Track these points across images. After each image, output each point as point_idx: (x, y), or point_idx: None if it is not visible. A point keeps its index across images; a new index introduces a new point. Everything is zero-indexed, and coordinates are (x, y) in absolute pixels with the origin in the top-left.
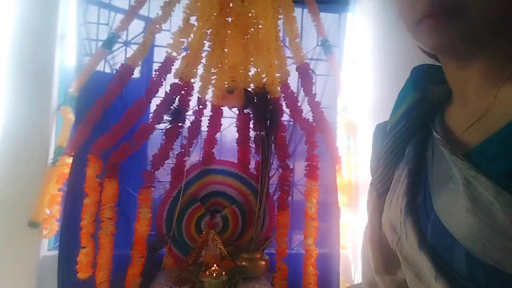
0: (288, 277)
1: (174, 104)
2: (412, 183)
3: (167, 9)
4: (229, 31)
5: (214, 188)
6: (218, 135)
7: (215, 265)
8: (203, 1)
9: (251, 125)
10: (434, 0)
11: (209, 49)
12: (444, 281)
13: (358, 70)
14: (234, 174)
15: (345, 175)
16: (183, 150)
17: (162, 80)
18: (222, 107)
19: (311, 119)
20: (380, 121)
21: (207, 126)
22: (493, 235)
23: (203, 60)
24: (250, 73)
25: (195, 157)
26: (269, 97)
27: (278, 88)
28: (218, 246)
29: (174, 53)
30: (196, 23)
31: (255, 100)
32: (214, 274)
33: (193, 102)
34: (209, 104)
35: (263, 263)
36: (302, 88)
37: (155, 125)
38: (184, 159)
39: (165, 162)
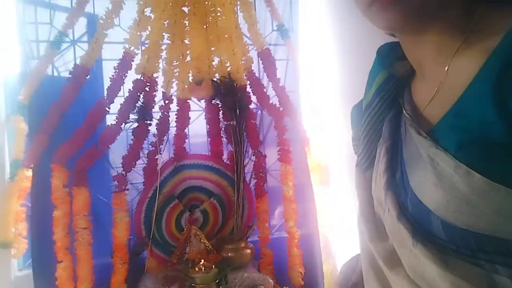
0: (273, 261)
1: (139, 102)
2: (390, 160)
3: (117, 2)
4: (186, 21)
5: (190, 184)
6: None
7: (202, 260)
8: None
9: (220, 116)
10: None
11: (169, 41)
12: (421, 247)
13: (316, 53)
14: (208, 166)
15: (314, 156)
16: (153, 148)
17: (123, 77)
18: (188, 101)
19: (277, 105)
20: (343, 100)
21: (175, 121)
22: (459, 204)
23: (163, 54)
24: (213, 63)
25: (165, 154)
26: (235, 85)
27: (244, 76)
28: (202, 241)
29: (132, 48)
30: (152, 15)
31: (222, 90)
32: (203, 269)
33: (157, 98)
34: (174, 99)
35: (249, 251)
36: (265, 74)
37: (121, 126)
38: (155, 157)
39: (136, 162)
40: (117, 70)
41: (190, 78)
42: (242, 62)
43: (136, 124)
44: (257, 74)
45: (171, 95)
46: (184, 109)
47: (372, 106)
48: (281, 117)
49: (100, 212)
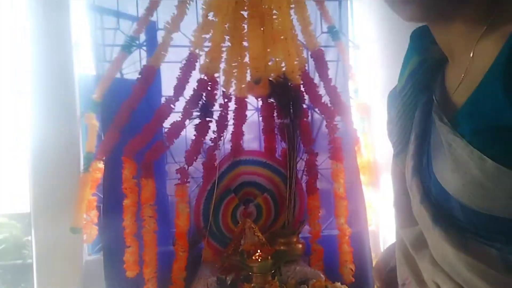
0: (324, 257)
1: (202, 100)
2: (419, 146)
3: (182, 8)
4: (245, 24)
5: (245, 178)
6: None
7: (258, 251)
8: None
9: (275, 114)
10: None
11: (229, 43)
12: (439, 229)
13: (364, 54)
14: (262, 162)
15: (364, 155)
16: (213, 144)
17: (188, 77)
18: (246, 99)
19: (328, 104)
20: None
21: (233, 118)
22: (474, 189)
23: (224, 55)
24: (269, 63)
25: (223, 150)
26: (290, 85)
27: (298, 75)
28: (256, 233)
29: (197, 50)
30: (214, 19)
31: (278, 89)
32: (260, 259)
33: (217, 97)
34: (233, 98)
35: (300, 246)
36: (317, 74)
37: (185, 122)
38: (214, 153)
39: (197, 157)
40: (183, 70)
41: (248, 78)
42: (296, 62)
43: (198, 121)
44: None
45: (230, 94)
46: (241, 107)
47: (405, 91)
48: (333, 116)
49: (161, 203)
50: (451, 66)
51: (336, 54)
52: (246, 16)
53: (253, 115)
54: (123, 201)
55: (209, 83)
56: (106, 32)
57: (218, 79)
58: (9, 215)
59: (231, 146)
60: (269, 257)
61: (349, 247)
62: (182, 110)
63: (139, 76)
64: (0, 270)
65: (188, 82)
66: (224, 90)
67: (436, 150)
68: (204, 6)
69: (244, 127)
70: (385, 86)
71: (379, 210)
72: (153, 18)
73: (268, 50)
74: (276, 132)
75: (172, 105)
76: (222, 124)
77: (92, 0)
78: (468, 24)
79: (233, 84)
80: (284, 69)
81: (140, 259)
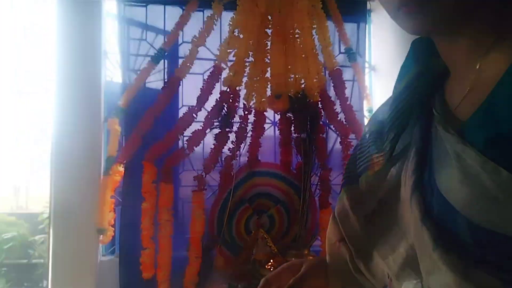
0: None
1: (223, 111)
2: (419, 161)
3: (209, 23)
4: (268, 42)
5: (260, 189)
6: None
7: (271, 261)
8: (247, 15)
9: (292, 128)
10: None
11: (252, 58)
12: (440, 251)
13: (379, 75)
14: (277, 175)
15: None
16: (230, 154)
17: (211, 88)
18: (265, 113)
19: (344, 122)
20: None
21: (251, 130)
22: (486, 203)
23: (246, 69)
24: (290, 79)
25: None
26: (308, 101)
27: (316, 93)
28: (268, 244)
29: (222, 63)
30: (240, 35)
31: (296, 105)
32: (272, 269)
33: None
34: (252, 111)
35: (311, 258)
36: (334, 93)
37: (206, 131)
38: (232, 162)
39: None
40: (207, 82)
41: (268, 93)
42: (316, 80)
43: (218, 131)
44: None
45: (250, 107)
46: (260, 120)
47: (400, 99)
48: (347, 134)
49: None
50: (453, 81)
51: (352, 74)
52: (270, 34)
53: (269, 129)
54: (141, 204)
55: (231, 95)
56: (132, 42)
57: (239, 92)
58: (17, 214)
59: (247, 157)
60: None
61: None
62: (201, 120)
63: (165, 86)
64: (5, 268)
65: (211, 93)
66: (245, 103)
67: (440, 162)
68: (231, 23)
69: (261, 140)
70: None
71: None
72: None
73: (289, 67)
74: (292, 145)
75: (194, 115)
76: (241, 135)
77: (123, 12)
78: (475, 37)
79: (253, 97)
80: (303, 86)
81: (155, 262)
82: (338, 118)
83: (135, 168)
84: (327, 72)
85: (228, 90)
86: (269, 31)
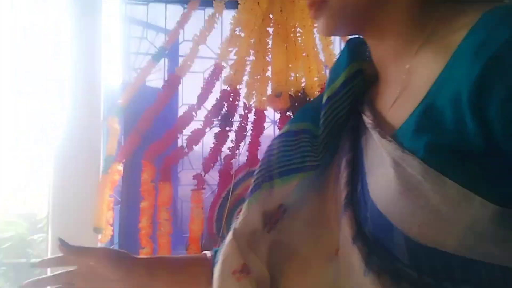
0: None
1: (223, 110)
2: (351, 173)
3: (211, 22)
4: (269, 40)
5: None
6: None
7: None
8: (248, 13)
9: None
10: None
11: (253, 57)
12: (373, 276)
13: None
14: None
15: None
16: (230, 153)
17: (212, 87)
18: (265, 111)
19: None
20: None
21: (251, 129)
22: (427, 216)
23: (247, 68)
24: (290, 78)
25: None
26: (308, 100)
27: (317, 92)
28: None
29: (222, 62)
30: (241, 34)
31: (296, 104)
32: None
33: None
34: (252, 110)
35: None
36: None
37: (205, 130)
38: (231, 161)
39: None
40: (207, 81)
41: (268, 92)
42: (316, 79)
43: (218, 130)
44: None
45: (250, 106)
46: (260, 119)
47: (336, 97)
48: None
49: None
50: (381, 85)
51: None
52: (271, 33)
53: (269, 128)
54: (140, 203)
55: (232, 94)
56: (133, 40)
57: (240, 91)
58: (16, 214)
59: (247, 156)
60: None
61: None
62: (200, 118)
63: (165, 84)
64: (3, 268)
65: (211, 92)
66: (245, 101)
67: (374, 172)
68: (232, 21)
69: (260, 139)
70: None
71: None
72: None
73: (290, 65)
74: None
75: (194, 113)
76: (240, 134)
77: (124, 10)
78: (400, 40)
79: (253, 96)
80: (303, 84)
81: None
82: None
83: (134, 167)
84: (327, 71)
85: (228, 89)
86: (270, 29)
